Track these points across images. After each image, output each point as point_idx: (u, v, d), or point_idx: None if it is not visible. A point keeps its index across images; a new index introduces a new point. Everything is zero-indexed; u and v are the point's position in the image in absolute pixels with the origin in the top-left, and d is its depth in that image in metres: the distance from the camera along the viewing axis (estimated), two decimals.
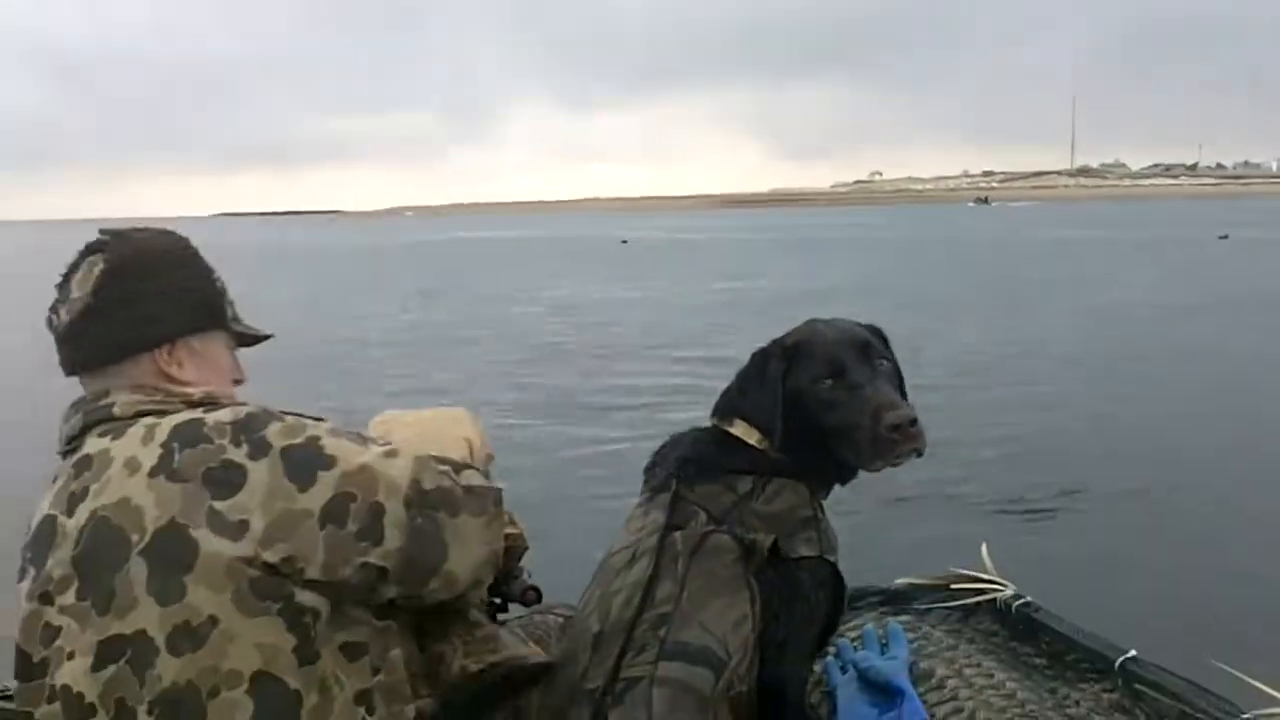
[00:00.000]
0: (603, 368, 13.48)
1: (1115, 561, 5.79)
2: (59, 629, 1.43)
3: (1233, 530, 6.38)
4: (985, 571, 2.16)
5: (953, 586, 2.15)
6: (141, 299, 1.58)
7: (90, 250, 1.60)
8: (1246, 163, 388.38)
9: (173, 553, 1.39)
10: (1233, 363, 12.64)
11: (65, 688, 1.41)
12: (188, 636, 1.38)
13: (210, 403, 1.54)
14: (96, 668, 1.39)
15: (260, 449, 1.44)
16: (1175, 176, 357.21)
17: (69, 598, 1.43)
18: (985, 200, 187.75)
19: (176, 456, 1.43)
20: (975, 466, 8.00)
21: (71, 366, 1.59)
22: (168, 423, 1.47)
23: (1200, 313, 17.52)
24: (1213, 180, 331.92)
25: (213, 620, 1.38)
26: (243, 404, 1.52)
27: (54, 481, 1.54)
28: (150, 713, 1.38)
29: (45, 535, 1.48)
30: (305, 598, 1.42)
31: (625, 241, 59.06)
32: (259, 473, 1.42)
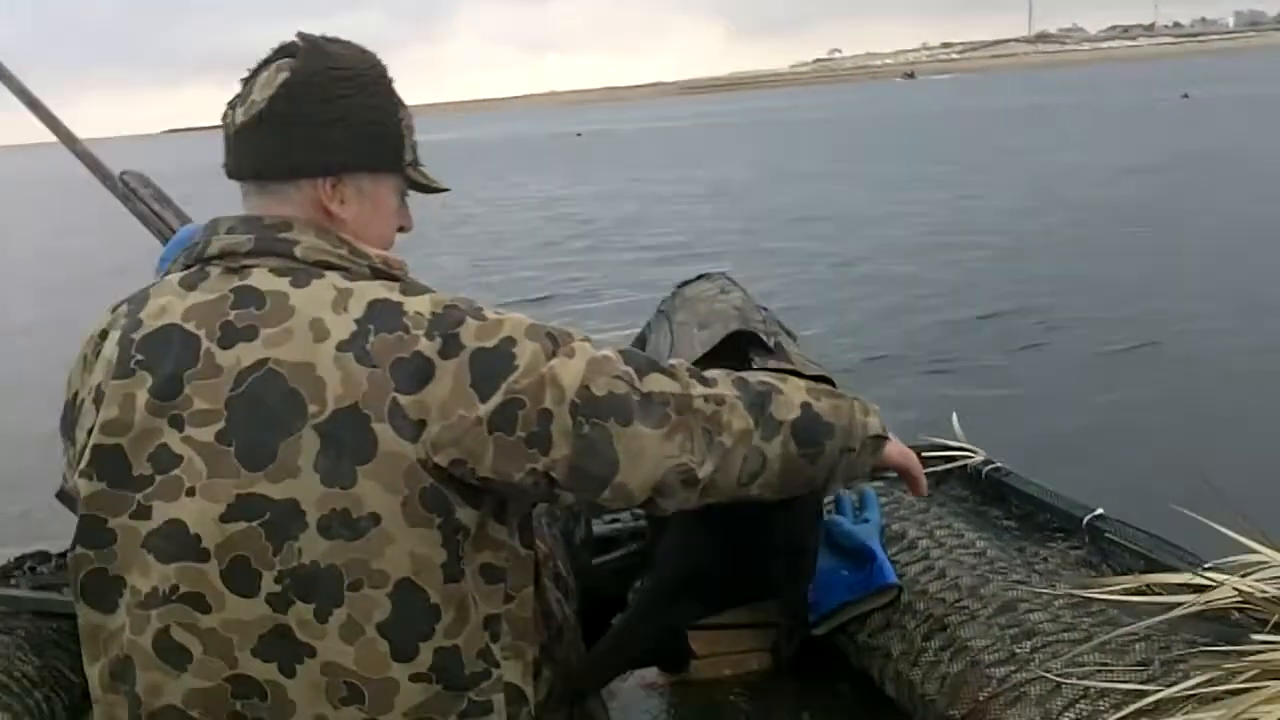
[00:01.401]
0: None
1: (1087, 416, 5.86)
2: (180, 458, 1.34)
3: (1202, 380, 6.46)
4: (956, 439, 2.18)
5: (924, 454, 2.16)
6: (319, 118, 1.44)
7: (281, 52, 1.46)
8: (1203, 19, 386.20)
9: (350, 438, 1.32)
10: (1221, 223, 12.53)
11: (175, 521, 1.34)
12: (344, 524, 1.32)
13: (395, 276, 1.44)
14: (227, 518, 1.33)
15: (453, 347, 1.35)
16: (1134, 38, 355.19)
17: (206, 433, 1.34)
18: (911, 75, 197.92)
19: (370, 338, 1.34)
20: (935, 329, 8.12)
21: (236, 170, 1.47)
22: (361, 295, 1.38)
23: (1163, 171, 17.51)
24: (1170, 39, 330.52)
25: (374, 518, 1.32)
26: (437, 293, 1.42)
27: (180, 287, 1.42)
28: (279, 581, 1.32)
29: (178, 347, 1.37)
30: (463, 515, 1.37)
31: (580, 135, 58.03)
32: (446, 374, 1.34)
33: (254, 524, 1.33)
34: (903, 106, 63.06)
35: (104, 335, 1.45)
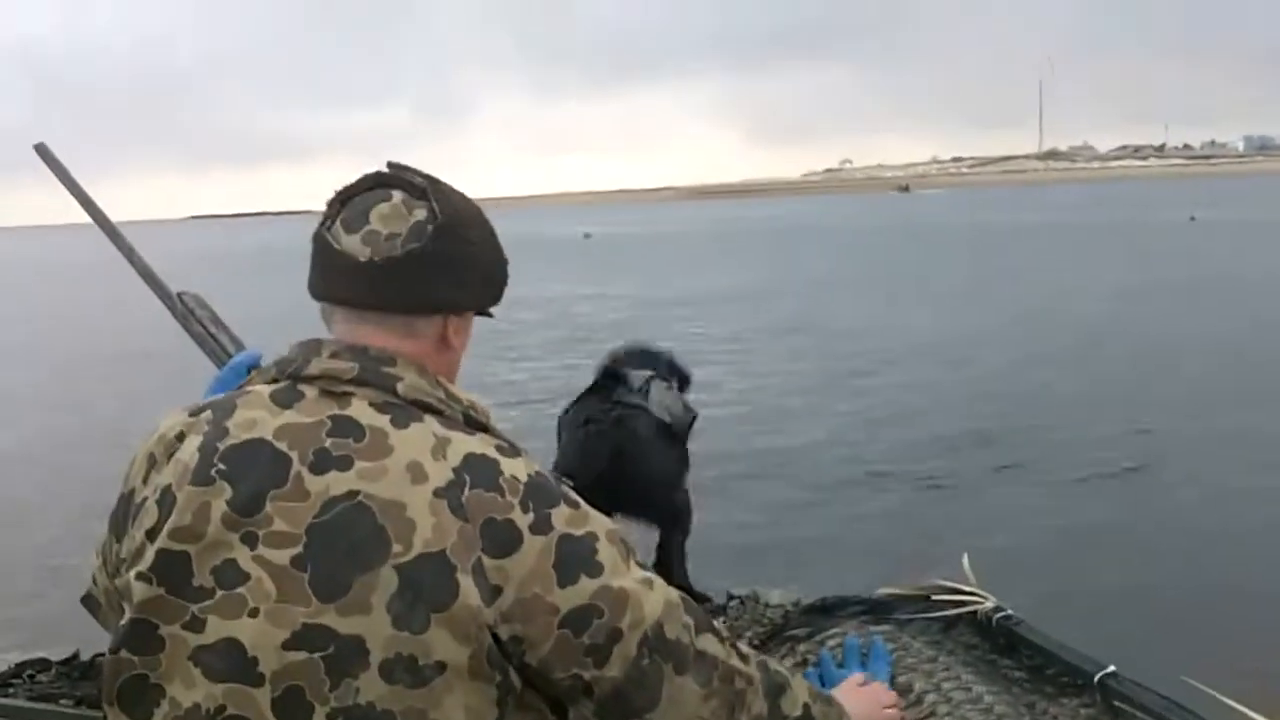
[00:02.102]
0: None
1: (1100, 574, 5.80)
2: (246, 575, 1.33)
3: (1213, 541, 6.35)
4: (967, 582, 2.17)
5: (934, 598, 2.16)
6: (465, 262, 1.51)
7: (397, 185, 1.50)
8: (1213, 142, 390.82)
9: (431, 585, 1.32)
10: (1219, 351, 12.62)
11: (232, 640, 1.32)
12: (408, 670, 1.31)
13: (484, 425, 1.48)
14: (289, 645, 1.31)
15: (543, 526, 1.38)
16: (1144, 158, 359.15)
17: (281, 556, 1.33)
18: (906, 189, 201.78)
19: (466, 491, 1.37)
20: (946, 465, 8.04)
21: (353, 299, 1.48)
22: (459, 446, 1.41)
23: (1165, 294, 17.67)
24: (1181, 160, 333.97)
25: (440, 667, 1.32)
26: (530, 460, 1.46)
27: (273, 403, 1.43)
28: (331, 717, 1.30)
29: (266, 466, 1.37)
30: (514, 677, 1.38)
31: (588, 235, 58.60)
32: (532, 549, 1.36)
33: (315, 655, 1.31)
34: (910, 219, 63.50)
35: (180, 438, 1.45)
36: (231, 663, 1.32)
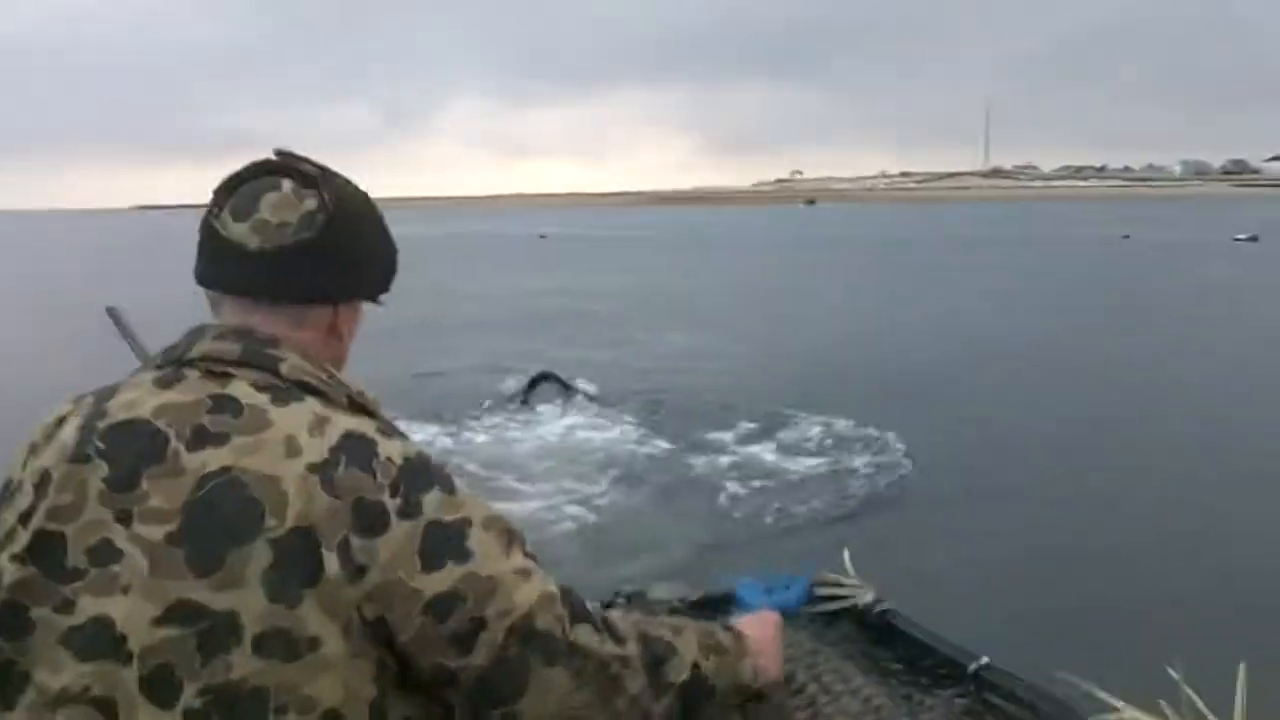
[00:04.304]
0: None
1: (976, 567, 6.00)
2: (121, 553, 1.30)
3: (1087, 535, 6.65)
4: (847, 575, 2.16)
5: (817, 591, 2.14)
6: (356, 253, 1.51)
7: (287, 173, 1.48)
8: (1151, 165, 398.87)
9: (302, 559, 1.30)
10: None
11: (102, 618, 1.28)
12: (282, 644, 1.28)
13: (368, 410, 1.47)
14: (161, 621, 1.27)
15: (412, 510, 1.35)
16: (1085, 179, 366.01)
17: (155, 532, 1.30)
18: (812, 202, 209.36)
19: (340, 469, 1.34)
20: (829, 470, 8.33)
21: (241, 287, 1.46)
22: (338, 424, 1.39)
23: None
24: (1120, 182, 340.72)
25: (313, 642, 1.28)
26: (411, 444, 1.43)
27: (154, 385, 1.41)
28: (201, 695, 1.26)
29: (143, 444, 1.35)
30: (389, 659, 1.34)
31: (544, 236, 60.57)
32: (397, 534, 1.33)
33: (189, 631, 1.27)
34: (854, 230, 64.97)
35: (60, 422, 1.42)
36: (99, 641, 1.28)
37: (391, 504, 1.35)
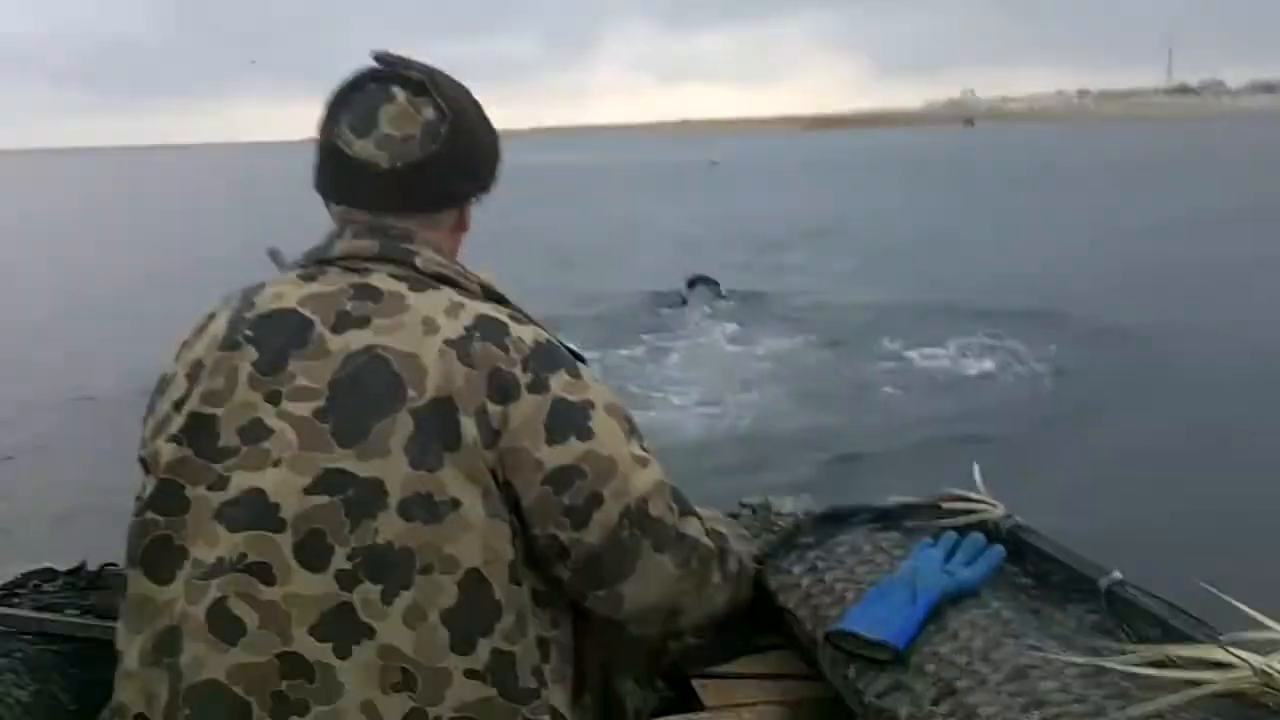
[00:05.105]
0: None
1: (1112, 482, 5.85)
2: (270, 430, 1.39)
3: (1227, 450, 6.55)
4: (976, 491, 2.09)
5: (944, 506, 2.09)
6: (478, 156, 1.58)
7: (393, 79, 1.52)
8: None
9: (442, 426, 1.38)
10: None
11: (255, 490, 1.37)
12: (425, 507, 1.36)
13: (500, 298, 1.55)
14: (311, 490, 1.36)
15: (540, 386, 1.44)
16: (1276, 93, 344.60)
17: (303, 409, 1.39)
18: (971, 123, 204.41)
19: (475, 344, 1.42)
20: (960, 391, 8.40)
21: (380, 203, 1.53)
22: (473, 307, 1.47)
23: None
24: None
25: (455, 503, 1.37)
26: (542, 330, 1.52)
27: (299, 280, 1.50)
28: (351, 558, 1.35)
29: (290, 330, 1.44)
30: (518, 524, 1.42)
31: (715, 163, 61.99)
32: (527, 405, 1.42)
33: (335, 498, 1.35)
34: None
35: (211, 317, 1.52)
36: (253, 511, 1.36)
37: (523, 378, 1.43)
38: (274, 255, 1.70)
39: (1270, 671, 1.45)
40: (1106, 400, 7.71)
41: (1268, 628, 1.53)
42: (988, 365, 9.14)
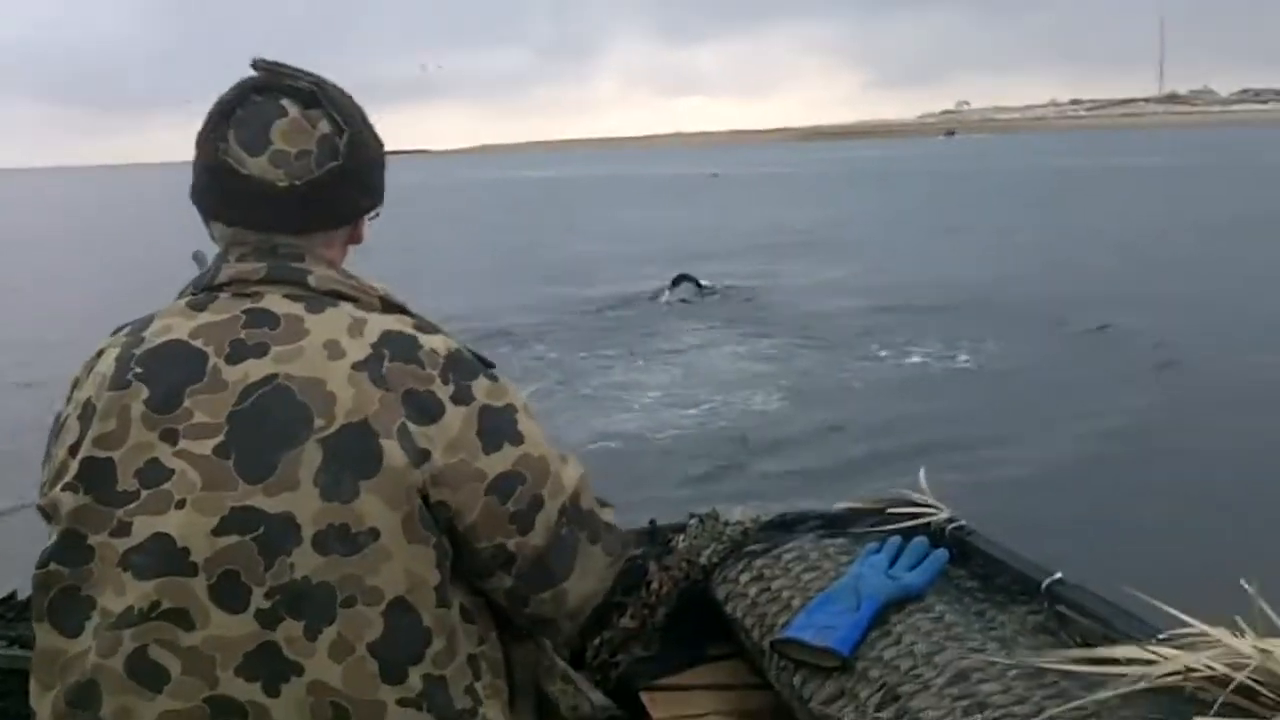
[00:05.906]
0: None
1: (1053, 486, 5.86)
2: (171, 471, 1.32)
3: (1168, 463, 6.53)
4: (922, 494, 2.11)
5: (889, 510, 2.10)
6: (372, 164, 1.50)
7: (280, 90, 1.44)
8: None
9: (356, 452, 1.32)
10: None
11: (160, 535, 1.30)
12: (341, 540, 1.30)
13: (400, 308, 1.48)
14: (219, 531, 1.30)
15: (464, 396, 1.39)
16: (1264, 102, 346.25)
17: (203, 447, 1.32)
18: (951, 133, 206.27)
19: (386, 364, 1.37)
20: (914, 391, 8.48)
21: (279, 226, 1.43)
22: (375, 323, 1.41)
23: None
24: None
25: (373, 533, 1.31)
26: (449, 336, 1.47)
27: (188, 309, 1.42)
28: (269, 596, 1.30)
29: (182, 364, 1.36)
30: (446, 542, 1.38)
31: (715, 175, 63.38)
32: (455, 418, 1.37)
33: (247, 537, 1.30)
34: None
35: (101, 354, 1.45)
36: (161, 557, 1.31)
37: (444, 391, 1.38)
38: (198, 258, 1.65)
39: (1195, 666, 1.48)
40: (1068, 401, 7.81)
41: (1194, 625, 1.56)
42: (961, 363, 9.24)
